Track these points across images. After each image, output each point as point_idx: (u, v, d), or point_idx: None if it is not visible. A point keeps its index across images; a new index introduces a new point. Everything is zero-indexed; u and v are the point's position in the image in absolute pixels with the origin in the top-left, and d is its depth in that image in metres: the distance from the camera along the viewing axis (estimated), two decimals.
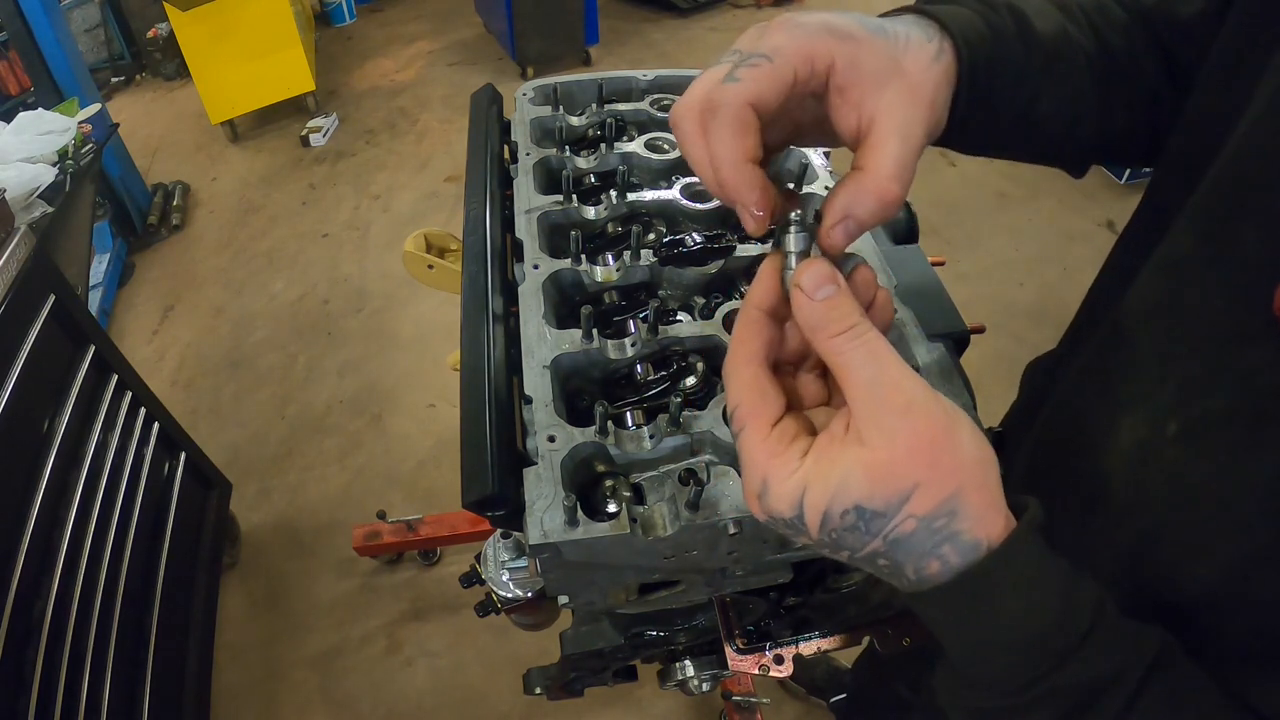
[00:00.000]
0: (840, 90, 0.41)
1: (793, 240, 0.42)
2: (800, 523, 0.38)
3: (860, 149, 0.42)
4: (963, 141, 0.54)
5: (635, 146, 0.85)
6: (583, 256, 0.73)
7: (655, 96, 0.94)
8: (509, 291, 0.74)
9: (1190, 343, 0.45)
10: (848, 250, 0.43)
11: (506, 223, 0.81)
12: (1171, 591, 0.44)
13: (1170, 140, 0.56)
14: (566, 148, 0.88)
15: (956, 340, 0.68)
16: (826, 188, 0.81)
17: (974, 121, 0.52)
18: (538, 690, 1.19)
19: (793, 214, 0.42)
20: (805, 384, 0.44)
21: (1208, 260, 0.45)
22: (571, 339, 0.66)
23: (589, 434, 0.59)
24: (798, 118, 0.46)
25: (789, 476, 0.38)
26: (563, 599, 0.69)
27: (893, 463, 0.36)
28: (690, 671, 1.05)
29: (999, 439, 0.71)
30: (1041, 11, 0.54)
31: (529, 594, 1.00)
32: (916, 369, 0.61)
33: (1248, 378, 0.40)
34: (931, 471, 0.36)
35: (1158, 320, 0.49)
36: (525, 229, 0.77)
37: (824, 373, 0.45)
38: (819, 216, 0.42)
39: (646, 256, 0.74)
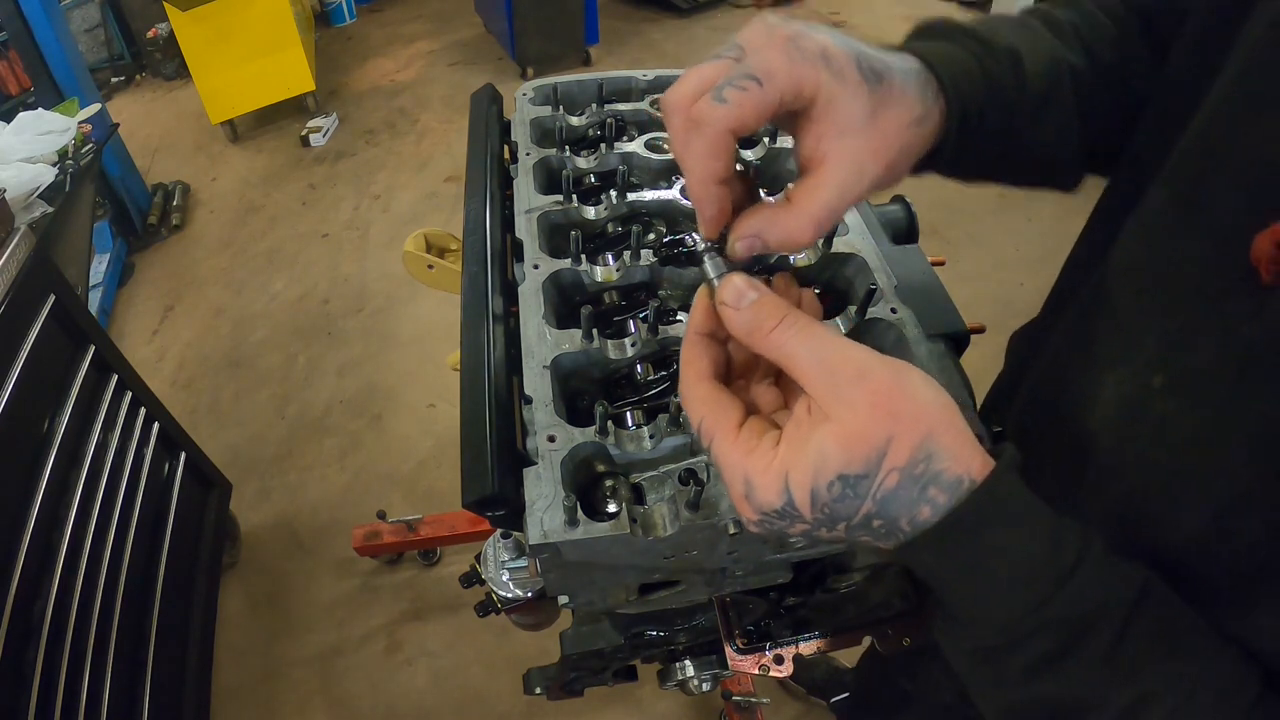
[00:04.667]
0: (811, 120, 0.43)
1: (710, 266, 0.45)
2: (791, 508, 0.40)
3: (801, 179, 0.44)
4: (945, 170, 0.56)
5: (635, 146, 0.85)
6: (583, 256, 0.73)
7: (655, 96, 0.94)
8: (509, 291, 0.74)
9: (1171, 297, 0.46)
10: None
11: (506, 223, 0.81)
12: (1161, 540, 0.45)
13: (1147, 107, 0.56)
14: (566, 148, 0.88)
15: (956, 340, 0.68)
16: None
17: (957, 164, 0.54)
18: (538, 690, 1.19)
19: (704, 244, 0.45)
20: (760, 393, 0.46)
21: (1184, 216, 0.46)
22: (571, 339, 0.66)
23: (589, 434, 0.59)
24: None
25: (768, 467, 0.40)
26: (563, 599, 0.69)
27: (861, 427, 0.38)
28: (690, 671, 1.05)
29: (1001, 438, 0.71)
30: (1037, 49, 0.55)
31: (529, 594, 1.00)
32: None
33: (1230, 329, 0.41)
34: (897, 423, 0.38)
35: (1138, 277, 0.50)
36: (525, 229, 0.77)
37: (776, 380, 0.47)
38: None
39: (646, 256, 0.74)
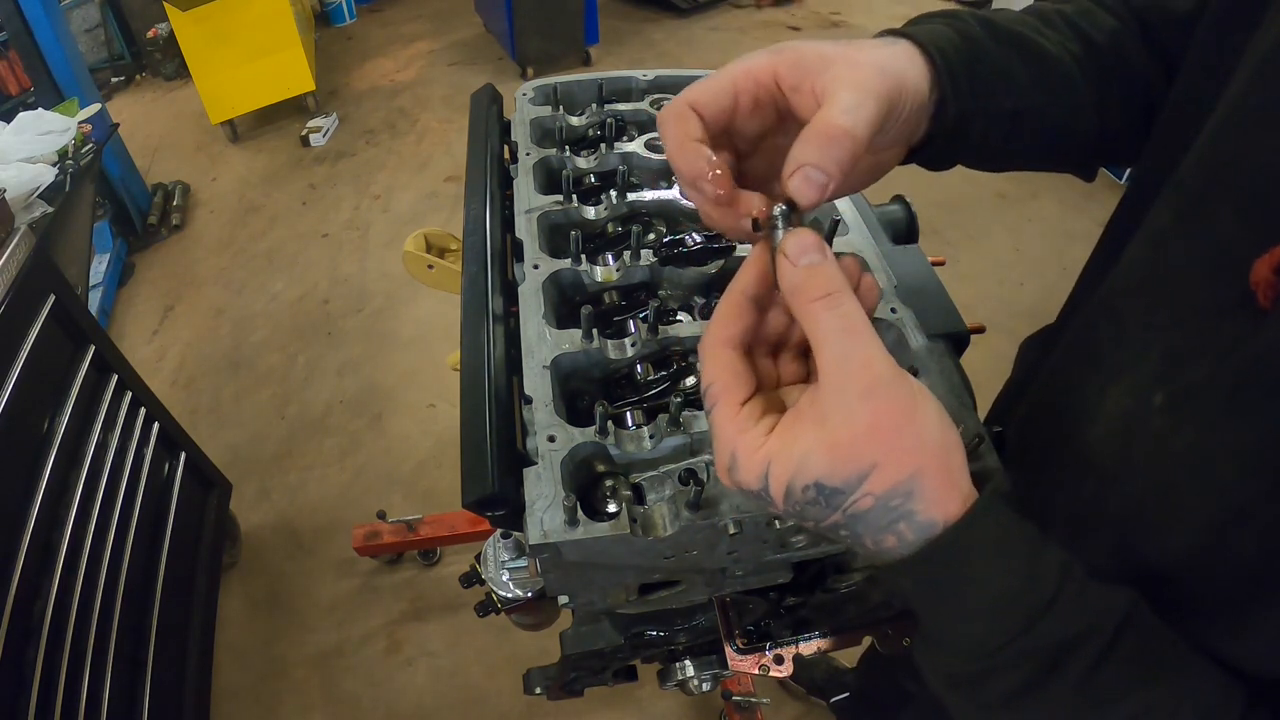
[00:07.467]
0: (794, 89, 0.44)
1: (780, 228, 0.43)
2: (766, 494, 0.41)
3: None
4: (973, 150, 0.56)
5: (635, 146, 0.85)
6: (583, 256, 0.73)
7: (655, 96, 0.94)
8: (509, 291, 0.74)
9: (1173, 315, 0.46)
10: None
11: (506, 223, 0.81)
12: (1156, 554, 0.45)
13: (1158, 119, 0.57)
14: (566, 148, 0.88)
15: (956, 340, 0.68)
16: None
17: (975, 125, 0.53)
18: (538, 690, 1.19)
19: (777, 208, 0.43)
20: (784, 363, 0.46)
21: (1187, 235, 0.46)
22: (571, 339, 0.66)
23: (589, 434, 0.59)
24: (786, 147, 0.47)
25: (755, 452, 0.40)
26: (563, 599, 0.69)
27: (852, 444, 0.38)
28: (690, 671, 1.05)
29: (1000, 439, 0.71)
30: (1007, 16, 0.58)
31: (529, 594, 1.00)
32: (915, 371, 0.61)
33: (1228, 349, 0.41)
34: (890, 453, 0.38)
35: (1141, 293, 0.50)
36: (525, 229, 0.77)
37: (803, 353, 0.46)
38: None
39: (646, 256, 0.74)
